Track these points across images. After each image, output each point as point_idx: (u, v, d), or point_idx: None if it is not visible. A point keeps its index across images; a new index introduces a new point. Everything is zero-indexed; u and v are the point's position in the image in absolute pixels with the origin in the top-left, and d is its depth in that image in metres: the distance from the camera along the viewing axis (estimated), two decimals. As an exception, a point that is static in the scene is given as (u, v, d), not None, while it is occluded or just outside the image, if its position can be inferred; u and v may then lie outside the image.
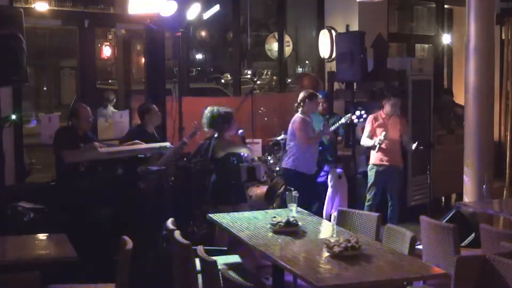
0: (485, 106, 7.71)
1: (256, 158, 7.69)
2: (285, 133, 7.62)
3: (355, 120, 7.83)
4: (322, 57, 9.72)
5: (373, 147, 7.67)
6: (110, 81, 13.17)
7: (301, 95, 7.39)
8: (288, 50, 10.28)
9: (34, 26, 10.19)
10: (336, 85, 9.40)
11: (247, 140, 7.55)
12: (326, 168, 7.97)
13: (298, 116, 7.27)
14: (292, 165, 7.23)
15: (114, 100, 9.43)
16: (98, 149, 6.42)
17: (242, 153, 6.86)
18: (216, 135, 6.61)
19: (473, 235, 7.01)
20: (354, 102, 8.62)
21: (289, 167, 7.25)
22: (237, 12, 9.49)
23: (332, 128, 7.87)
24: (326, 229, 5.49)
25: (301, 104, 7.28)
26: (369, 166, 7.84)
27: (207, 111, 6.64)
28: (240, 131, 6.69)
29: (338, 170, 7.85)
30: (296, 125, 7.22)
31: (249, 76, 17.25)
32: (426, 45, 12.71)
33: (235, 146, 6.62)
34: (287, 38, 10.31)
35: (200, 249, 4.33)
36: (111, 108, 9.20)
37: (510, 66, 11.39)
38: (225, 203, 6.45)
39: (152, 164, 6.80)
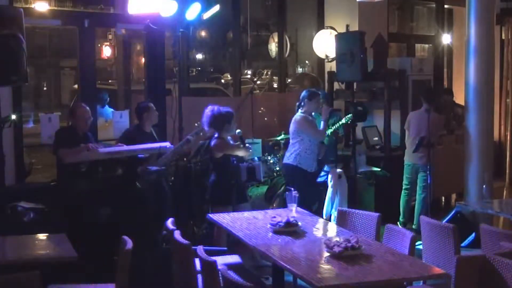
0: (485, 106, 7.72)
1: (256, 158, 7.70)
2: (286, 133, 7.62)
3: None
4: (324, 56, 9.72)
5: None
6: (110, 81, 13.17)
7: (302, 94, 7.39)
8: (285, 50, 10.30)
9: (34, 26, 10.20)
10: (336, 85, 9.41)
11: (247, 140, 7.55)
12: (326, 168, 7.97)
13: (299, 115, 7.25)
14: (294, 161, 7.21)
15: (108, 99, 9.29)
16: (85, 151, 6.38)
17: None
18: (216, 135, 6.60)
19: (473, 235, 7.02)
20: (354, 102, 8.62)
21: (291, 163, 7.22)
22: (237, 12, 9.50)
23: (333, 128, 7.88)
24: (326, 229, 5.49)
25: (302, 103, 7.27)
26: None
27: (208, 110, 6.64)
28: (238, 131, 6.68)
29: (338, 170, 7.85)
30: (302, 124, 7.18)
31: (249, 76, 17.26)
32: (426, 45, 12.71)
33: (232, 148, 6.60)
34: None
35: (200, 249, 4.33)
36: (108, 108, 9.14)
37: (510, 66, 11.42)
38: (225, 203, 6.44)
39: (152, 164, 6.78)
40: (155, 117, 7.10)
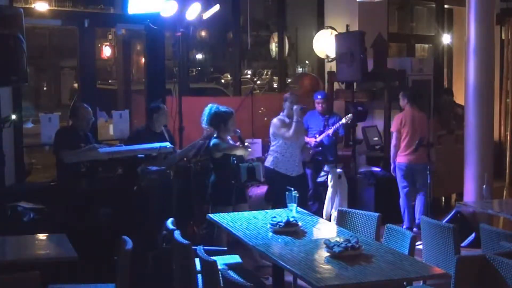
0: (485, 106, 7.72)
1: (255, 158, 7.70)
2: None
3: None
4: (324, 56, 9.72)
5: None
6: (110, 81, 13.18)
7: None
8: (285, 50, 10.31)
9: (34, 26, 10.20)
10: (336, 85, 9.40)
11: (246, 140, 7.55)
12: (326, 168, 7.97)
13: (277, 117, 7.35)
14: (271, 164, 7.30)
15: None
16: (98, 150, 6.41)
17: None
18: (215, 135, 6.60)
19: (473, 235, 7.02)
20: (354, 102, 8.62)
21: (269, 166, 7.30)
22: (237, 12, 9.49)
23: (333, 128, 7.88)
24: (326, 229, 5.49)
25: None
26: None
27: (207, 108, 6.64)
28: (236, 130, 6.69)
29: (338, 170, 7.85)
30: (276, 124, 7.28)
31: (249, 76, 17.27)
32: (426, 45, 12.72)
33: (231, 148, 6.59)
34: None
35: (200, 249, 4.33)
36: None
37: (510, 66, 11.41)
38: (225, 203, 6.44)
39: (159, 164, 6.79)
40: (165, 118, 7.13)
